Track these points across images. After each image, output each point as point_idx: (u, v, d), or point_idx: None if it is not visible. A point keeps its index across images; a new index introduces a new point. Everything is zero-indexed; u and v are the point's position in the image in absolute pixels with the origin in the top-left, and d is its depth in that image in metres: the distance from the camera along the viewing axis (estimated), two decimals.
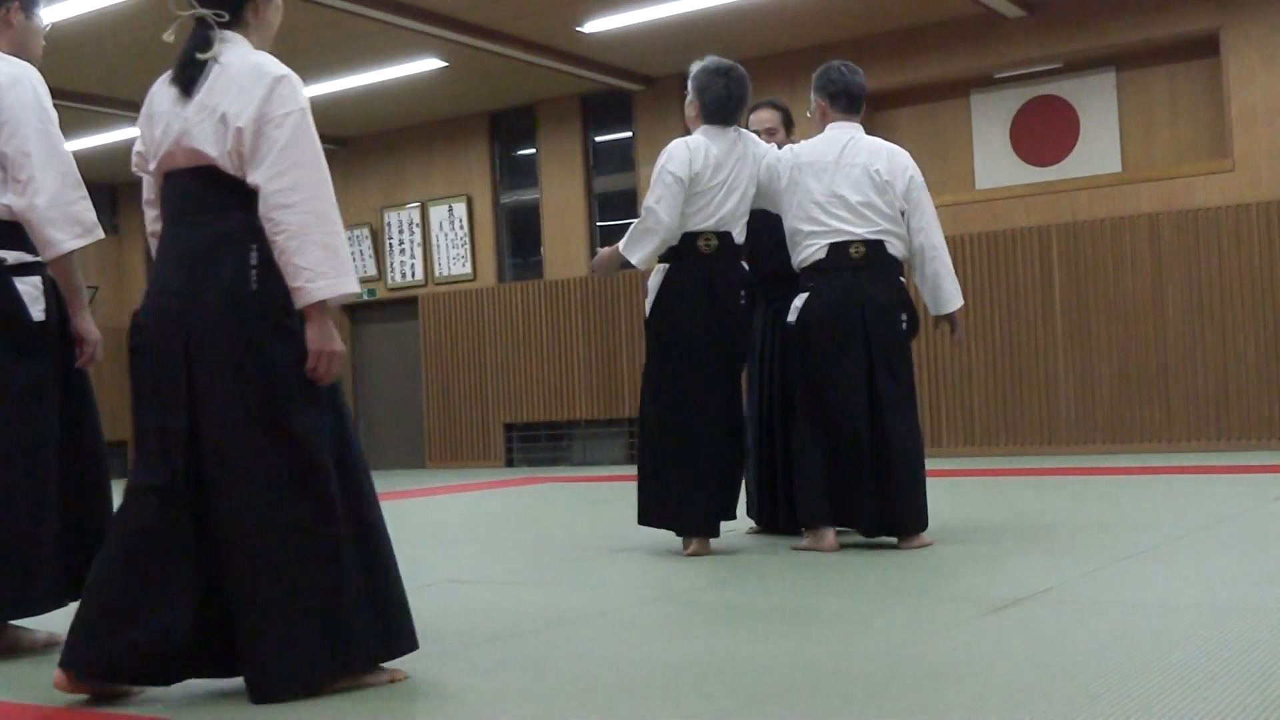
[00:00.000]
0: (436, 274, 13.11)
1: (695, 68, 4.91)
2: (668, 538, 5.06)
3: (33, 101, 3.34)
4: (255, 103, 2.72)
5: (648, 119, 11.84)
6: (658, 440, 4.79)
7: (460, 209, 12.91)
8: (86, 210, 3.35)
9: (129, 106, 10.68)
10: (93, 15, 8.81)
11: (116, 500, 2.99)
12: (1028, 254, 10.14)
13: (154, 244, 3.01)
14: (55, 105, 3.46)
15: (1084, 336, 9.93)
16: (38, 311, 3.37)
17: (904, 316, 4.87)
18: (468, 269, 12.91)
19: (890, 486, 4.71)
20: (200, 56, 2.82)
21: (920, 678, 2.69)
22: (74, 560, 3.32)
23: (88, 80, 10.26)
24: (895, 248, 4.88)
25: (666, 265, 4.83)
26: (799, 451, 4.86)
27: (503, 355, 12.65)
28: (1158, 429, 9.66)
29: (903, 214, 4.89)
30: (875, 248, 4.82)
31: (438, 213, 13.06)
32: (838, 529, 4.83)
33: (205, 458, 2.71)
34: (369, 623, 2.76)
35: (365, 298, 13.64)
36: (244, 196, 2.74)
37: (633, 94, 11.89)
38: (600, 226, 12.35)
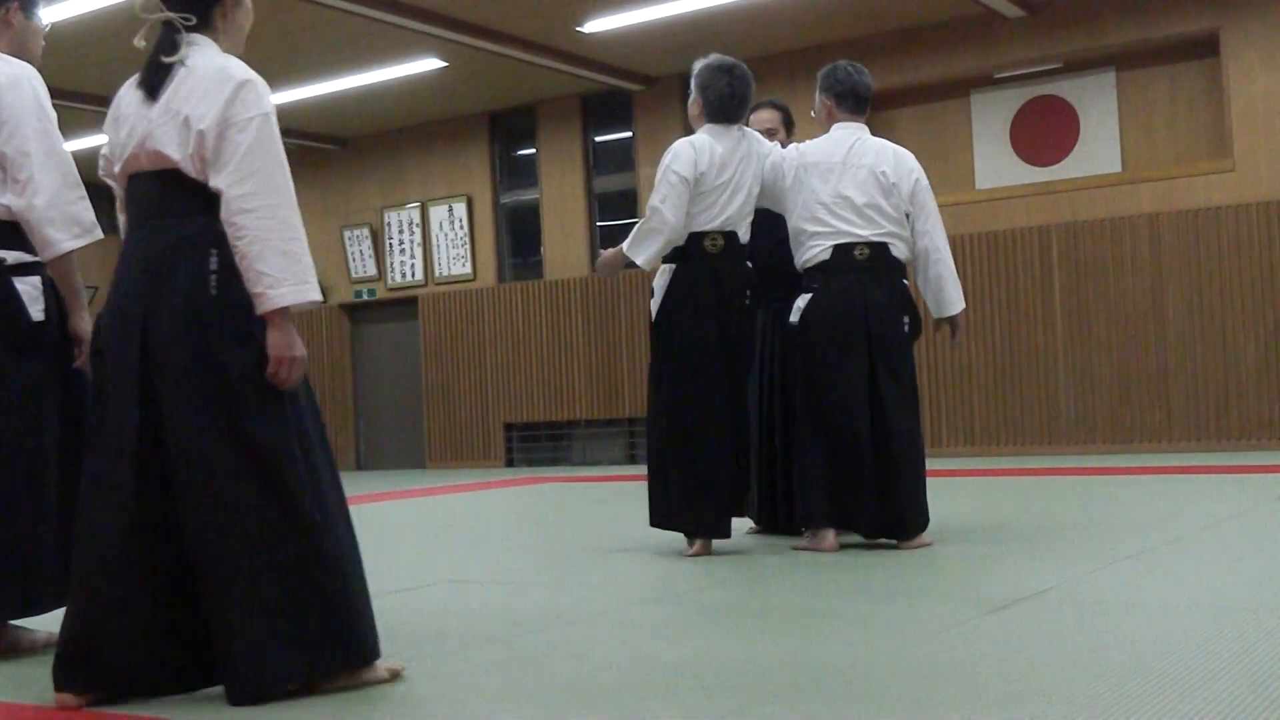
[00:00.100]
0: (436, 274, 13.11)
1: (698, 66, 4.90)
2: (668, 537, 5.06)
3: (32, 102, 3.34)
4: (218, 106, 2.71)
5: (648, 119, 11.85)
6: (666, 441, 4.78)
7: (460, 209, 12.91)
8: (85, 210, 3.35)
9: None
10: (93, 15, 8.81)
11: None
12: (1028, 254, 10.14)
13: None
14: (55, 105, 3.46)
15: (1084, 336, 9.93)
16: (37, 311, 3.37)
17: (906, 318, 4.86)
18: (468, 269, 12.91)
19: (891, 488, 4.71)
20: (166, 60, 2.80)
21: (920, 678, 2.69)
22: None
23: (88, 80, 10.26)
24: (899, 250, 4.87)
25: (672, 265, 4.81)
26: (799, 452, 4.85)
27: (503, 355, 12.65)
28: (1158, 429, 9.66)
29: (907, 216, 4.89)
30: (879, 250, 4.81)
31: (438, 213, 13.06)
32: (838, 530, 4.82)
33: (170, 462, 2.70)
34: (336, 627, 2.73)
35: (365, 298, 13.65)
36: (206, 200, 2.72)
37: (633, 94, 11.89)
38: (600, 226, 12.35)
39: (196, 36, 2.84)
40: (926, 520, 4.79)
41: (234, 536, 2.67)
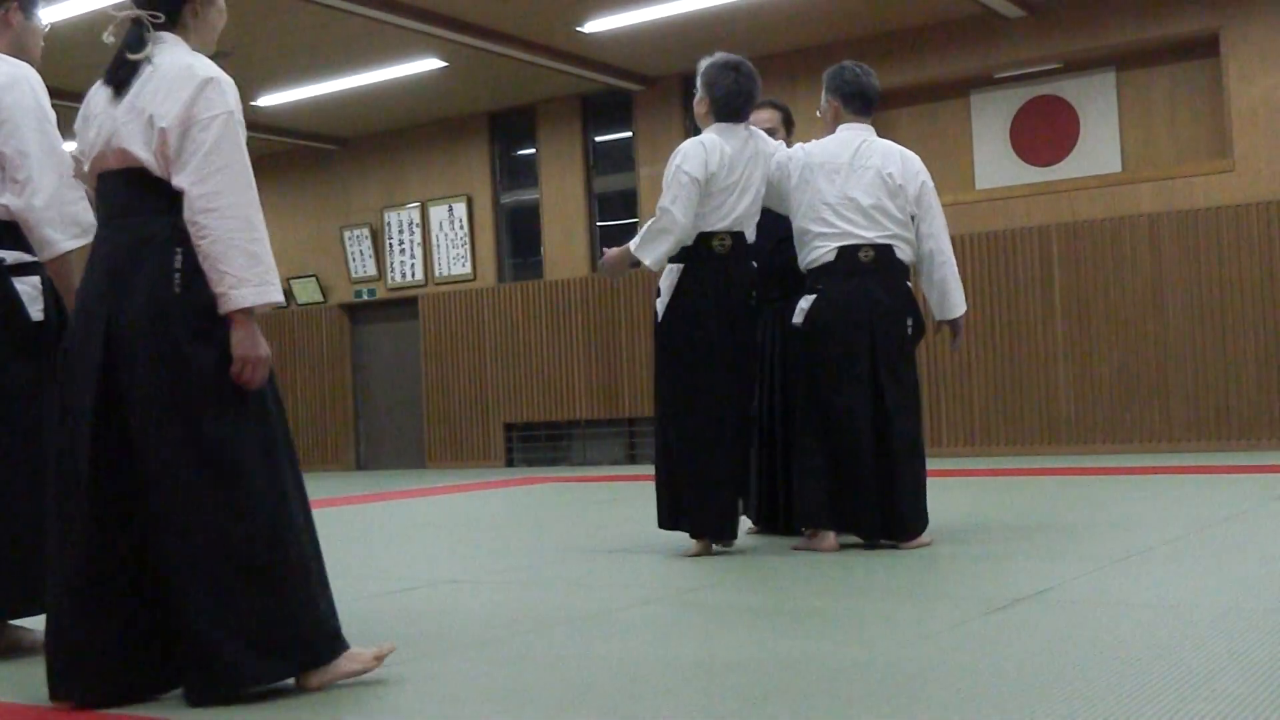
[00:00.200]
0: (436, 274, 13.11)
1: (704, 64, 4.88)
2: (667, 538, 5.06)
3: (31, 102, 3.34)
4: (182, 104, 2.69)
5: (648, 119, 11.85)
6: (673, 442, 4.78)
7: (460, 209, 12.91)
8: (84, 211, 3.35)
9: None
10: (93, 15, 8.81)
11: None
12: (1028, 254, 10.14)
13: None
14: (54, 105, 3.46)
15: (1084, 336, 9.93)
16: (36, 311, 3.37)
17: (910, 321, 4.86)
18: (468, 269, 12.91)
19: (892, 491, 4.71)
20: (132, 57, 2.79)
21: (920, 678, 2.69)
22: None
23: (87, 80, 10.21)
24: (903, 252, 4.87)
25: (679, 265, 4.78)
26: (800, 453, 4.84)
27: (503, 355, 12.65)
28: (1158, 429, 9.66)
29: (912, 218, 4.89)
30: (884, 252, 4.81)
31: (438, 213, 13.07)
32: (838, 531, 4.82)
33: (134, 460, 2.69)
34: (295, 628, 2.71)
35: (365, 298, 13.65)
36: (171, 199, 2.71)
37: (633, 94, 11.89)
38: (600, 226, 12.36)
39: (165, 35, 2.83)
40: (926, 522, 4.79)
41: (190, 538, 2.65)
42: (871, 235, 4.80)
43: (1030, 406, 10.11)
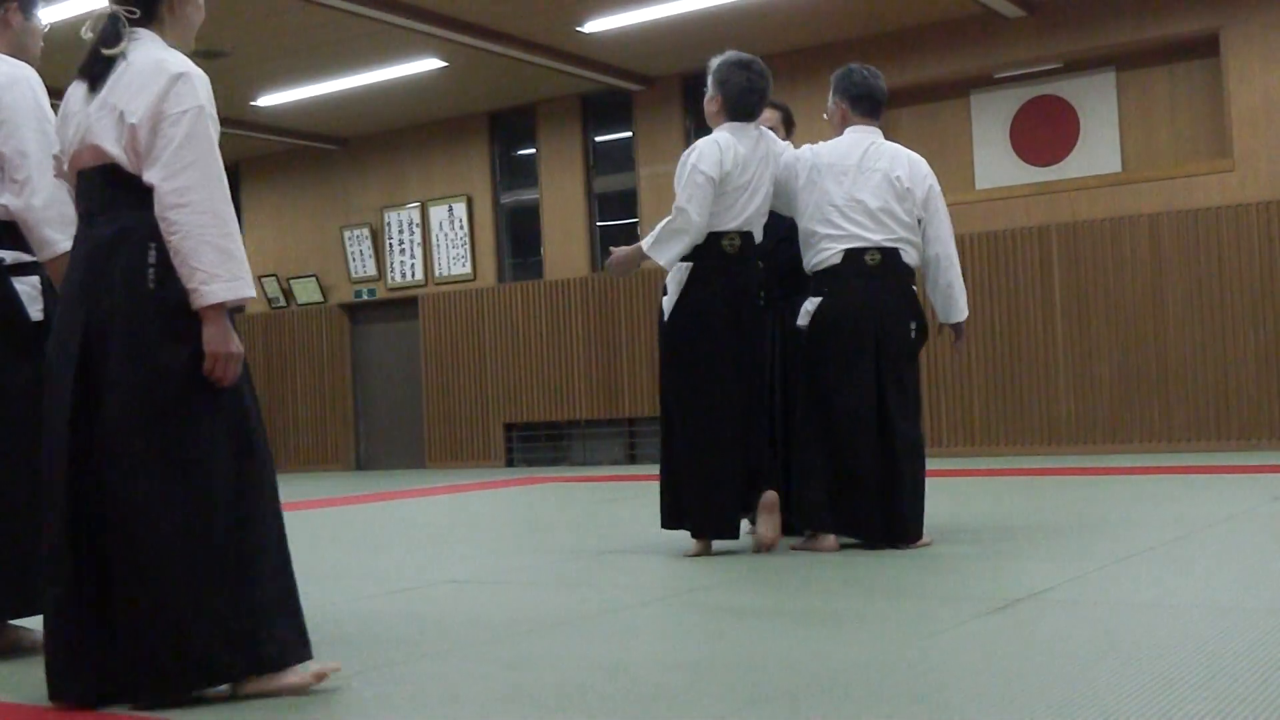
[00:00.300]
0: (436, 274, 13.11)
1: (715, 62, 4.85)
2: (667, 538, 5.06)
3: (31, 102, 3.35)
4: (152, 99, 2.68)
5: (648, 119, 11.84)
6: (678, 441, 4.77)
7: (460, 209, 12.91)
8: None
9: None
10: (93, 16, 8.80)
11: None
12: (1028, 254, 10.14)
13: None
14: (54, 105, 3.45)
15: (1084, 336, 9.93)
16: (35, 311, 3.37)
17: (914, 324, 4.86)
18: (468, 269, 12.91)
19: (894, 494, 4.71)
20: (106, 52, 2.78)
21: (920, 678, 2.69)
22: None
23: None
24: (909, 255, 4.87)
25: (688, 264, 4.75)
26: (801, 455, 4.83)
27: (503, 355, 12.65)
28: (1158, 429, 9.66)
29: (919, 222, 4.89)
30: (890, 255, 4.81)
31: (438, 213, 13.07)
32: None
33: (100, 455, 2.68)
34: (246, 632, 2.68)
35: (365, 298, 13.65)
36: (145, 195, 2.70)
37: (633, 94, 11.89)
38: (600, 226, 12.36)
39: (141, 31, 2.82)
40: (921, 525, 4.79)
41: (148, 537, 2.63)
42: (878, 238, 4.80)
43: (1030, 406, 10.11)
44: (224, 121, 2.84)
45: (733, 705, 2.52)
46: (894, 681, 2.67)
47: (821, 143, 4.99)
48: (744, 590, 4.07)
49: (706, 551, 4.78)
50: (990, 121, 10.57)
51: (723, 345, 4.70)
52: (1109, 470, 8.16)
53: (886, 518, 4.71)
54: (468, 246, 12.90)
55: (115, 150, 2.72)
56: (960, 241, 9.38)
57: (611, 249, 5.05)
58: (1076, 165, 10.20)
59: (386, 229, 13.42)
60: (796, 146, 5.09)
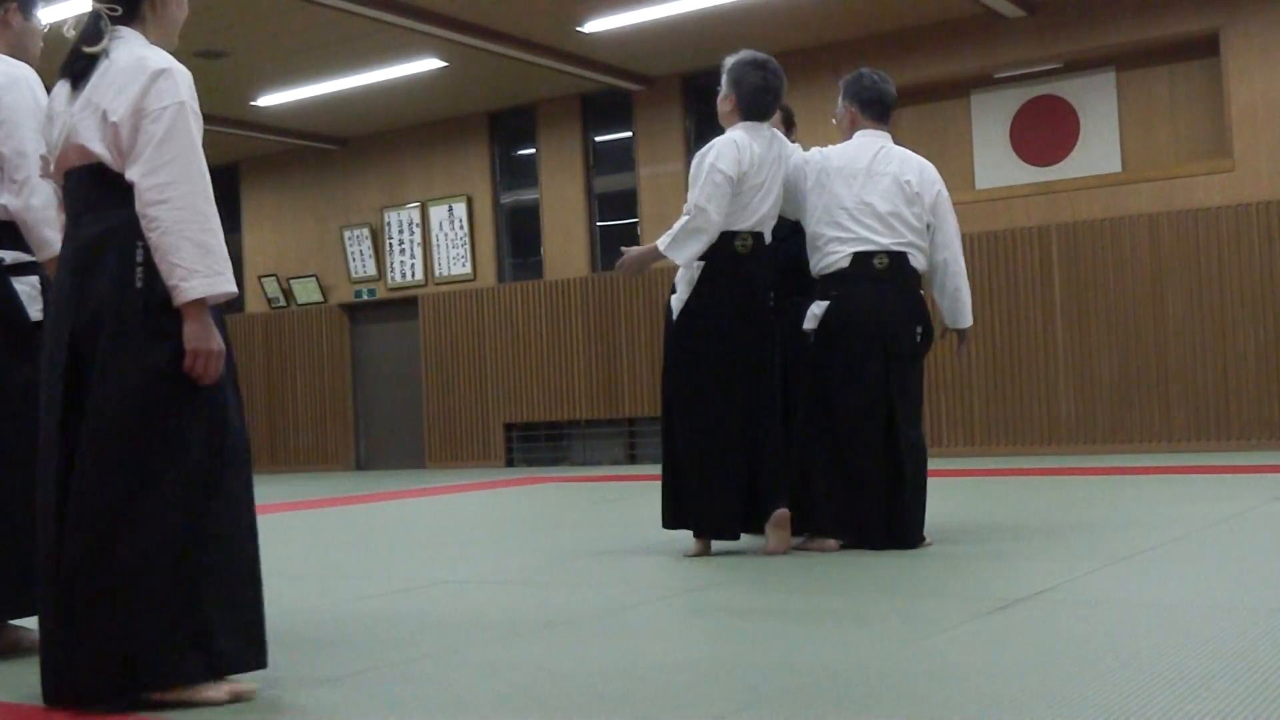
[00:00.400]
0: (436, 274, 13.11)
1: (730, 60, 4.84)
2: (667, 538, 5.05)
3: (30, 102, 3.35)
4: (133, 97, 2.67)
5: (648, 119, 11.84)
6: (682, 440, 4.76)
7: (460, 209, 12.91)
8: None
9: None
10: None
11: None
12: (1028, 254, 10.14)
13: None
14: None
15: (1084, 336, 9.93)
16: (35, 311, 3.37)
17: (919, 329, 4.86)
18: (468, 269, 12.91)
19: (897, 499, 4.71)
20: (88, 50, 2.77)
21: (920, 678, 2.69)
22: None
23: None
24: (917, 260, 4.87)
25: (699, 263, 4.72)
26: (805, 458, 4.82)
27: (503, 355, 12.65)
28: (1158, 429, 9.66)
29: (928, 227, 4.89)
30: (898, 259, 4.81)
31: (438, 213, 13.07)
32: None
33: (80, 451, 2.67)
34: (189, 636, 2.65)
35: (365, 298, 13.65)
36: (129, 194, 2.69)
37: (633, 94, 11.89)
38: (600, 226, 12.36)
39: (123, 29, 2.81)
40: (923, 527, 4.78)
41: (112, 533, 2.62)
42: (887, 241, 4.80)
43: (1030, 406, 10.11)
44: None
45: (733, 705, 2.52)
46: (894, 681, 2.67)
47: (830, 146, 4.98)
48: (744, 590, 4.06)
49: (706, 551, 4.78)
50: (990, 121, 10.57)
51: (732, 345, 4.69)
52: (1109, 470, 8.16)
53: (889, 519, 4.71)
54: (468, 246, 12.90)
55: (99, 149, 2.71)
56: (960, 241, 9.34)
57: (623, 249, 5.03)
58: (1076, 165, 10.20)
59: (386, 229, 13.42)
60: (797, 146, 5.09)
